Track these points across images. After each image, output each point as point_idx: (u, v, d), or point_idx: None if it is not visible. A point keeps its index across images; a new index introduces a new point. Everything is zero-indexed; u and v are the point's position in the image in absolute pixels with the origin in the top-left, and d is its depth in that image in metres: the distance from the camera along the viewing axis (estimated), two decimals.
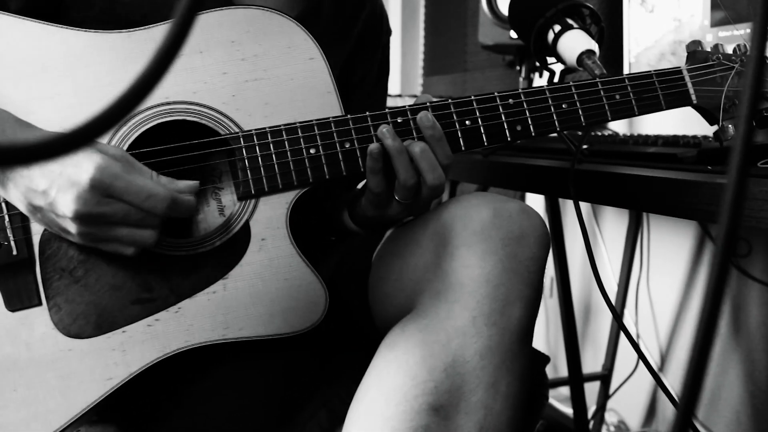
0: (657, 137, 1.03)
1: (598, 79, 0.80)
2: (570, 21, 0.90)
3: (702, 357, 0.28)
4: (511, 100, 0.78)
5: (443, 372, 0.66)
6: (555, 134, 1.08)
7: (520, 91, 0.78)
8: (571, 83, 0.80)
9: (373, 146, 0.73)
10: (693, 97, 0.82)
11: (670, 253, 1.61)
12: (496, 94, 0.78)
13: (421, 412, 0.65)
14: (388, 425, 0.65)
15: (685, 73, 0.82)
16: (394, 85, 2.62)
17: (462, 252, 0.70)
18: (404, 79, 2.63)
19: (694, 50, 0.85)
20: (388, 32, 1.01)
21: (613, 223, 1.80)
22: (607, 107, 0.80)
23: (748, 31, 1.07)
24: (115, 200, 0.64)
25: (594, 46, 0.87)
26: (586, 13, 0.92)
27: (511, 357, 0.68)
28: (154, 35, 0.74)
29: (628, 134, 1.23)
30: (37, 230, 0.71)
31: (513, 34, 1.46)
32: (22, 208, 0.66)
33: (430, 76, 2.53)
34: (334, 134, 0.75)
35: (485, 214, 0.71)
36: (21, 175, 0.64)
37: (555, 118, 0.78)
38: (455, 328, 0.67)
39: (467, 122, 0.77)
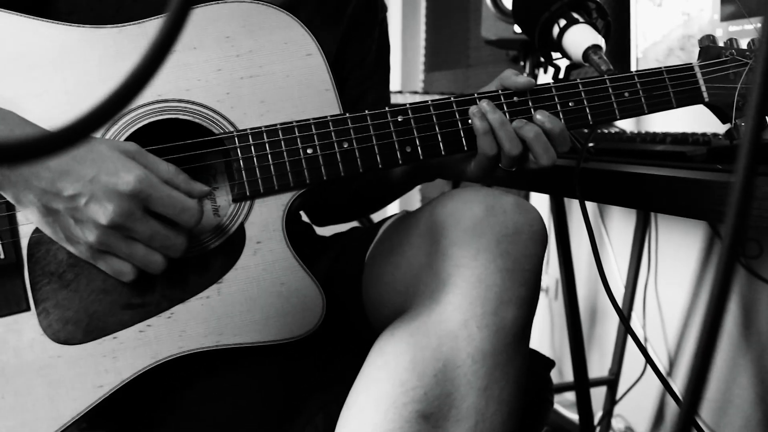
0: (665, 135, 1.00)
1: (606, 77, 0.78)
2: (576, 15, 0.88)
3: (706, 357, 0.27)
4: (516, 98, 0.76)
5: (433, 377, 0.64)
6: None
7: None
8: (579, 80, 0.77)
9: (473, 108, 0.74)
10: (705, 95, 0.80)
11: (679, 255, 1.58)
12: (500, 92, 0.76)
13: (410, 420, 0.63)
14: None
15: (696, 69, 0.80)
16: (394, 81, 2.60)
17: (454, 251, 0.67)
18: (405, 75, 2.60)
19: (707, 46, 0.82)
20: (384, 8, 0.99)
21: (620, 224, 1.77)
22: (615, 105, 0.77)
23: (759, 25, 1.04)
24: (148, 217, 0.64)
25: (600, 41, 0.85)
26: (593, 7, 0.90)
27: (505, 359, 0.65)
28: (147, 30, 0.71)
29: (636, 132, 1.21)
30: (25, 233, 0.69)
31: (517, 28, 1.44)
32: (33, 209, 0.64)
33: (431, 72, 2.50)
34: (332, 134, 0.72)
35: (478, 210, 0.68)
36: (37, 176, 0.62)
37: (561, 117, 0.77)
38: (446, 332, 0.65)
39: (470, 121, 0.75)
